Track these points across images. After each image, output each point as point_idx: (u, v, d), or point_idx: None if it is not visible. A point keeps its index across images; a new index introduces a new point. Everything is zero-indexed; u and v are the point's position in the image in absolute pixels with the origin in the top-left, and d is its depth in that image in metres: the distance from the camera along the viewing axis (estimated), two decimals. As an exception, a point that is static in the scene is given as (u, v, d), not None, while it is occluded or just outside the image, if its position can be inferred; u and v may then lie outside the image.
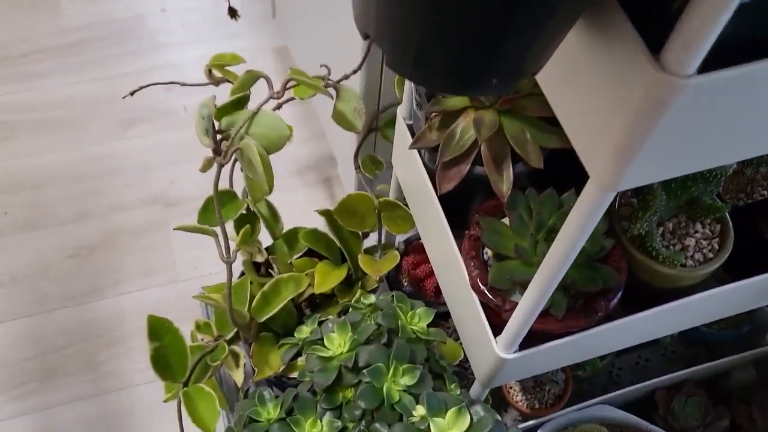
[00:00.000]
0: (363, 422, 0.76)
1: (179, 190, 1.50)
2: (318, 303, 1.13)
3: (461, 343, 1.12)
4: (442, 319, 1.16)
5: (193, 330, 1.10)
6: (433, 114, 0.81)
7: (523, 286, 0.73)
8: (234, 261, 0.91)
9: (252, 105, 0.87)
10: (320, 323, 0.86)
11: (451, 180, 0.77)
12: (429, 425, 0.70)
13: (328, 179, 1.52)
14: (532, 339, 0.73)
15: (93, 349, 1.31)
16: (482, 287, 0.76)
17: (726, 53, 0.36)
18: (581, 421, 1.12)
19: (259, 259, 1.13)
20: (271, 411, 0.79)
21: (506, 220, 0.81)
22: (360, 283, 1.08)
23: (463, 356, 1.12)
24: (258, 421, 0.78)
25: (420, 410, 0.73)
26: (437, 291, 1.18)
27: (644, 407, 1.19)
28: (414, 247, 1.22)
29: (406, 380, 0.77)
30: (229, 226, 1.04)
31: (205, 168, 0.93)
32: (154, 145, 1.56)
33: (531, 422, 1.12)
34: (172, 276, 1.39)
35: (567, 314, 0.74)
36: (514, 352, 0.73)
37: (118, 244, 1.43)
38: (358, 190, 1.08)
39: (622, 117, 0.41)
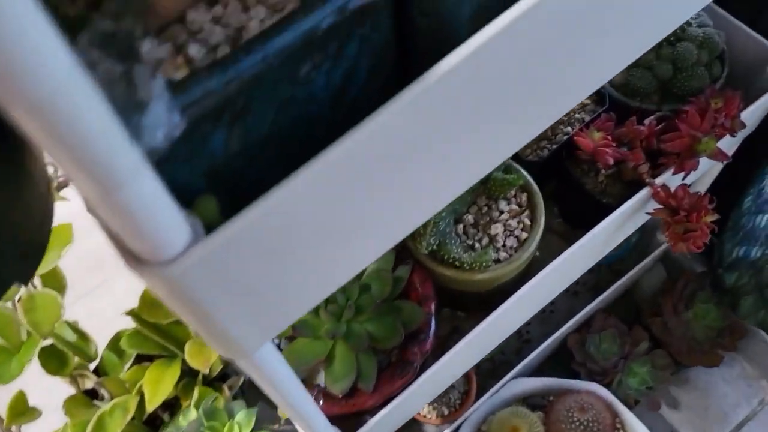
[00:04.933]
0: None
1: None
2: (173, 403, 0.99)
3: None
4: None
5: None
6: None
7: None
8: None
9: None
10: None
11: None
12: None
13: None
14: (346, 423, 0.60)
15: None
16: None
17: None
18: (497, 408, 1.02)
19: (89, 384, 0.98)
20: None
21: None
22: (200, 374, 0.94)
23: None
24: None
25: None
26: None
27: (563, 357, 1.10)
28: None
29: None
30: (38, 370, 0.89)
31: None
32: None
33: (447, 430, 1.01)
34: None
35: (380, 379, 0.62)
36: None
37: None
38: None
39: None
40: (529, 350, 1.06)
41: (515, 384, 1.04)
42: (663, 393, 1.10)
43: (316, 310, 0.61)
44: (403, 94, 0.26)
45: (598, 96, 0.75)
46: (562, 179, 0.74)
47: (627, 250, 1.14)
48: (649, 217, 0.72)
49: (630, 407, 1.05)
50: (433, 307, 0.64)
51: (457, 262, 0.64)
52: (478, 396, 1.03)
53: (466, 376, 1.03)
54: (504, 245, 0.67)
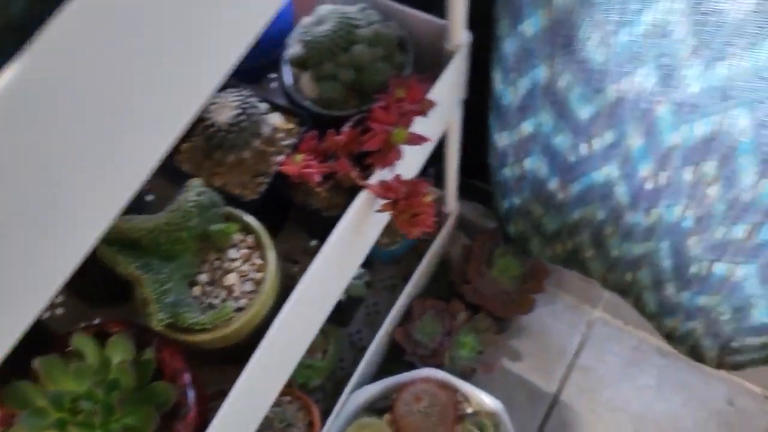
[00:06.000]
0: None
1: None
2: None
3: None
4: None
5: None
6: None
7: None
8: None
9: None
10: None
11: None
12: None
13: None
14: None
15: None
16: None
17: None
18: (346, 426, 1.03)
19: None
20: None
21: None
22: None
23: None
24: None
25: None
26: None
27: (398, 353, 1.13)
28: None
29: None
30: None
31: None
32: None
33: (304, 467, 1.01)
34: None
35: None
36: None
37: None
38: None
39: None
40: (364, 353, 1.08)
41: (355, 396, 1.05)
42: (501, 351, 1.14)
43: (63, 427, 0.59)
44: None
45: (300, 117, 0.77)
46: (291, 206, 0.76)
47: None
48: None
49: (469, 377, 1.09)
50: (187, 378, 0.63)
51: (197, 326, 0.64)
52: (324, 421, 1.03)
53: (304, 408, 1.03)
54: (243, 291, 0.67)
